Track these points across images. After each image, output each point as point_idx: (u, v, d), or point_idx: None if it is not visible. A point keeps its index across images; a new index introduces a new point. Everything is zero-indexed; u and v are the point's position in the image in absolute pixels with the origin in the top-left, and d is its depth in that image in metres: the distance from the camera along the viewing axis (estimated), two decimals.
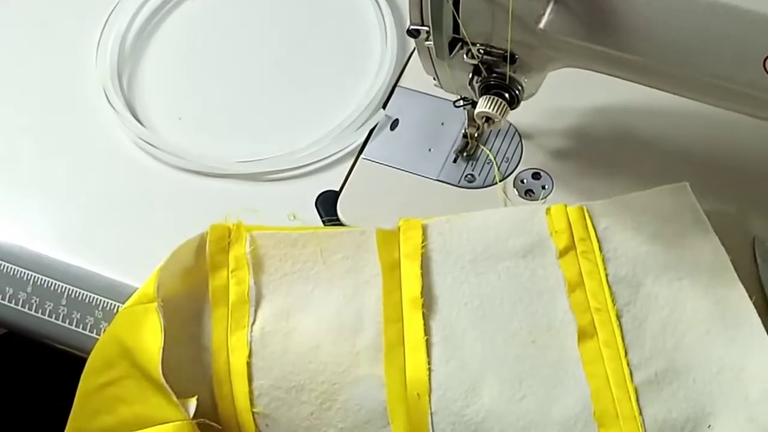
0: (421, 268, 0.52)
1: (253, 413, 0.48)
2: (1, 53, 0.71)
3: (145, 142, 0.63)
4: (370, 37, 0.68)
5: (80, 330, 0.55)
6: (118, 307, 0.50)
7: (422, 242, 0.53)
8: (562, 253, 0.52)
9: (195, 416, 0.45)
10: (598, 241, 0.52)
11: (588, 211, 0.53)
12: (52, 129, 0.65)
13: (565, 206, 0.54)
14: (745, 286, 0.50)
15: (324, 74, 0.67)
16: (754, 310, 0.48)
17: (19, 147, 0.65)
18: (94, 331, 0.55)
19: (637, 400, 0.47)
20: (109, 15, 0.69)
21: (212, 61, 0.69)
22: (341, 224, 0.57)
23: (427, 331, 0.50)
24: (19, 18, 0.72)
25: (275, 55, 0.69)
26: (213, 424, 0.47)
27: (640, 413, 0.46)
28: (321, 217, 0.58)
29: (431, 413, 0.47)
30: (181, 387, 0.45)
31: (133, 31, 0.70)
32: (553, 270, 0.52)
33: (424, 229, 0.54)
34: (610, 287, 0.50)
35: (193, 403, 0.45)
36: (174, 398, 0.44)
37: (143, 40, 0.70)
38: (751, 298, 0.49)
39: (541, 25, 0.43)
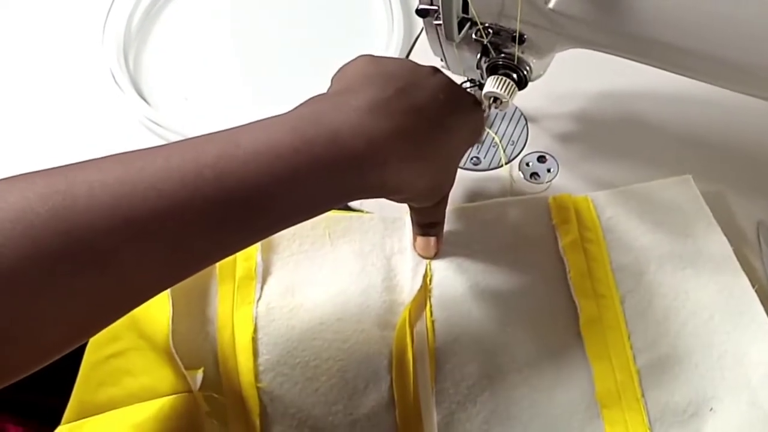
0: None
1: (257, 388, 0.48)
2: (6, 34, 0.71)
3: (152, 122, 0.63)
4: (377, 21, 0.68)
5: None
6: None
7: None
8: (567, 242, 0.52)
9: (200, 389, 0.45)
10: (602, 230, 0.53)
11: (592, 201, 0.54)
12: (59, 109, 0.65)
13: (570, 196, 0.54)
14: (748, 270, 0.50)
15: (330, 57, 0.67)
16: (757, 298, 0.49)
17: (25, 128, 0.65)
18: None
19: (640, 382, 0.47)
20: None
21: (218, 43, 0.69)
22: (347, 205, 0.57)
23: (432, 312, 0.50)
24: None
25: (281, 38, 0.69)
26: (218, 396, 0.47)
27: (643, 395, 0.47)
28: None
29: (436, 392, 0.48)
30: (187, 361, 0.46)
31: (140, 10, 0.70)
32: (557, 257, 0.52)
33: None
34: (613, 274, 0.51)
35: (199, 375, 0.45)
36: (182, 369, 0.44)
37: (150, 20, 0.70)
38: (753, 287, 0.49)
39: (551, 5, 0.43)
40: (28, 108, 0.66)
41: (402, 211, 0.54)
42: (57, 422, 0.47)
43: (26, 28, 0.71)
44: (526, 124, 0.60)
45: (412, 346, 0.49)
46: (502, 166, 0.58)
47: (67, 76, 0.67)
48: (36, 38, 0.70)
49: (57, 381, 0.48)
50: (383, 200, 0.55)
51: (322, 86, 0.64)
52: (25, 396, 0.59)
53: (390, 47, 0.65)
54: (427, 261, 0.52)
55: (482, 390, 0.48)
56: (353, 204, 0.57)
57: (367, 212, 0.56)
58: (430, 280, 0.52)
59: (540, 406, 0.47)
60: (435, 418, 0.47)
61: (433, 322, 0.50)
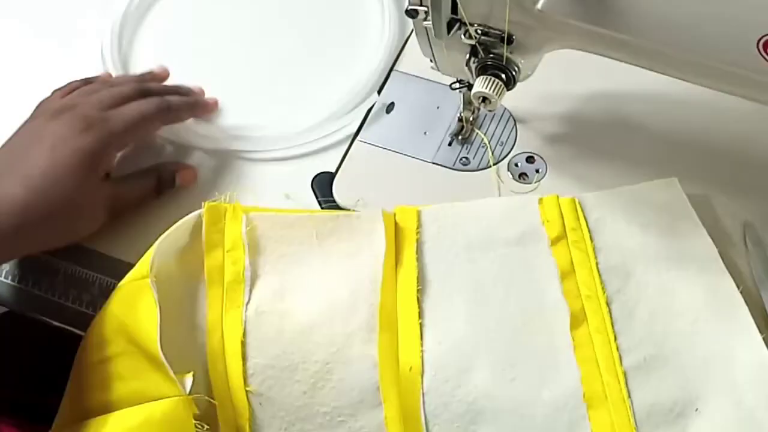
0: (416, 253, 0.53)
1: (246, 392, 0.48)
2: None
3: None
4: (368, 22, 0.68)
5: (77, 307, 0.55)
6: (115, 284, 0.50)
7: (417, 229, 0.54)
8: (554, 242, 0.53)
9: (190, 393, 0.45)
10: (589, 231, 0.53)
11: (580, 202, 0.54)
12: None
13: (557, 197, 0.54)
14: (734, 271, 0.50)
15: (324, 53, 0.67)
16: (742, 300, 0.49)
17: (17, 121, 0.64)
18: (91, 308, 0.55)
19: (626, 383, 0.47)
20: None
21: (207, 41, 0.69)
22: (336, 205, 0.57)
23: (420, 314, 0.50)
24: None
25: (272, 39, 0.68)
26: (208, 399, 0.47)
27: (629, 396, 0.47)
28: (317, 197, 0.58)
29: (423, 393, 0.48)
30: (176, 365, 0.45)
31: (133, 4, 0.70)
32: (545, 258, 0.52)
33: (419, 216, 0.54)
34: (600, 275, 0.51)
35: (189, 379, 0.45)
36: (171, 374, 0.44)
37: (141, 13, 0.70)
38: (738, 288, 0.49)
39: (539, 5, 0.43)
40: (19, 101, 0.65)
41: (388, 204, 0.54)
42: (51, 422, 0.47)
43: (17, 19, 0.71)
44: (515, 124, 0.60)
45: (400, 347, 0.49)
46: (490, 166, 0.58)
47: (59, 70, 0.66)
48: (28, 30, 0.70)
49: (53, 381, 0.48)
50: (369, 199, 0.56)
51: (312, 86, 0.65)
52: (21, 396, 0.59)
53: (381, 44, 0.65)
54: (416, 260, 0.52)
55: (468, 391, 0.48)
56: (341, 203, 0.57)
57: (353, 210, 0.56)
58: (417, 279, 0.52)
59: (526, 407, 0.47)
60: (423, 419, 0.47)
61: (421, 324, 0.50)
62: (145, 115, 0.56)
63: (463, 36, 0.48)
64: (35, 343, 0.60)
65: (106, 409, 0.45)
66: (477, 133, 0.60)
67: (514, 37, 0.47)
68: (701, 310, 0.49)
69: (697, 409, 0.47)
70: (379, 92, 0.63)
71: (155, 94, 0.59)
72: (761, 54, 0.38)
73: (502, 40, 0.47)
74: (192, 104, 0.61)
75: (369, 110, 0.62)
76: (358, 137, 0.61)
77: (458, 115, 0.59)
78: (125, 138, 0.55)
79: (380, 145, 0.60)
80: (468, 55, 0.50)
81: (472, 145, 0.60)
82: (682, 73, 0.45)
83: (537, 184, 0.57)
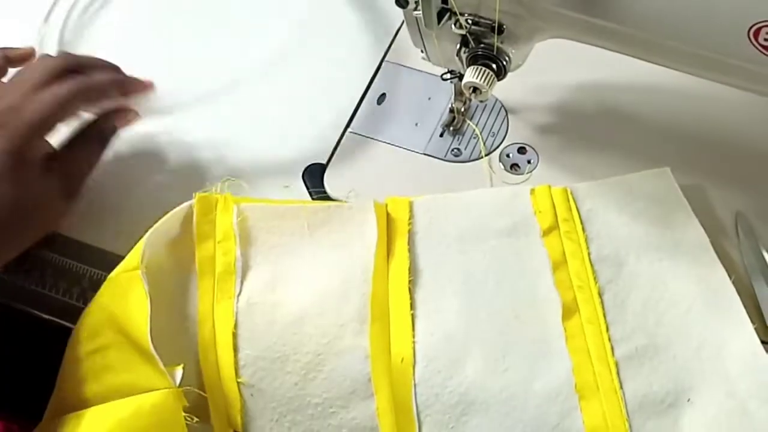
0: (408, 244, 0.53)
1: (238, 383, 0.48)
2: None
3: None
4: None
5: (67, 299, 0.55)
6: (105, 276, 0.50)
7: (408, 220, 0.54)
8: (546, 233, 0.53)
9: (181, 385, 0.45)
10: (582, 222, 0.53)
11: (572, 192, 0.54)
12: None
13: (549, 187, 0.54)
14: (727, 261, 0.51)
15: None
16: (734, 290, 0.49)
17: None
18: (81, 300, 0.54)
19: (618, 373, 0.48)
20: None
21: (192, 31, 0.69)
22: (328, 196, 0.57)
23: (412, 305, 0.50)
24: None
25: (260, 31, 0.68)
26: (199, 392, 0.47)
27: (621, 386, 0.47)
28: (308, 189, 0.58)
29: (415, 384, 0.48)
30: (167, 356, 0.45)
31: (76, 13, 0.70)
32: (537, 248, 0.52)
33: (411, 206, 0.54)
34: (592, 266, 0.51)
35: (179, 371, 0.45)
36: (161, 366, 0.44)
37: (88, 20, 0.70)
38: (730, 278, 0.49)
39: None
40: None
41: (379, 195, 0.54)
42: (41, 415, 0.47)
43: None
44: (507, 115, 0.60)
45: (391, 338, 0.49)
46: (482, 157, 0.58)
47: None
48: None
49: (43, 374, 0.48)
50: (361, 190, 0.56)
51: (298, 79, 0.64)
52: (10, 389, 0.59)
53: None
54: (408, 251, 0.52)
55: (460, 381, 0.48)
56: (333, 194, 0.57)
57: (345, 201, 0.56)
58: (409, 270, 0.52)
59: (518, 398, 0.47)
60: (414, 409, 0.47)
61: (412, 315, 0.50)
62: (60, 100, 0.53)
63: (453, 26, 0.48)
64: (25, 335, 0.60)
65: (96, 401, 0.45)
66: (468, 124, 0.60)
67: (504, 26, 0.47)
68: (693, 300, 0.49)
69: (689, 400, 0.47)
70: (369, 85, 0.63)
71: (83, 67, 0.56)
72: (752, 43, 0.38)
73: (492, 29, 0.47)
74: (120, 81, 0.58)
75: (360, 101, 0.62)
76: (350, 128, 0.61)
77: (449, 105, 0.59)
78: (47, 125, 0.53)
79: (371, 137, 0.60)
80: (458, 45, 0.50)
81: (463, 136, 0.60)
82: (673, 63, 0.45)
83: (528, 174, 0.57)
